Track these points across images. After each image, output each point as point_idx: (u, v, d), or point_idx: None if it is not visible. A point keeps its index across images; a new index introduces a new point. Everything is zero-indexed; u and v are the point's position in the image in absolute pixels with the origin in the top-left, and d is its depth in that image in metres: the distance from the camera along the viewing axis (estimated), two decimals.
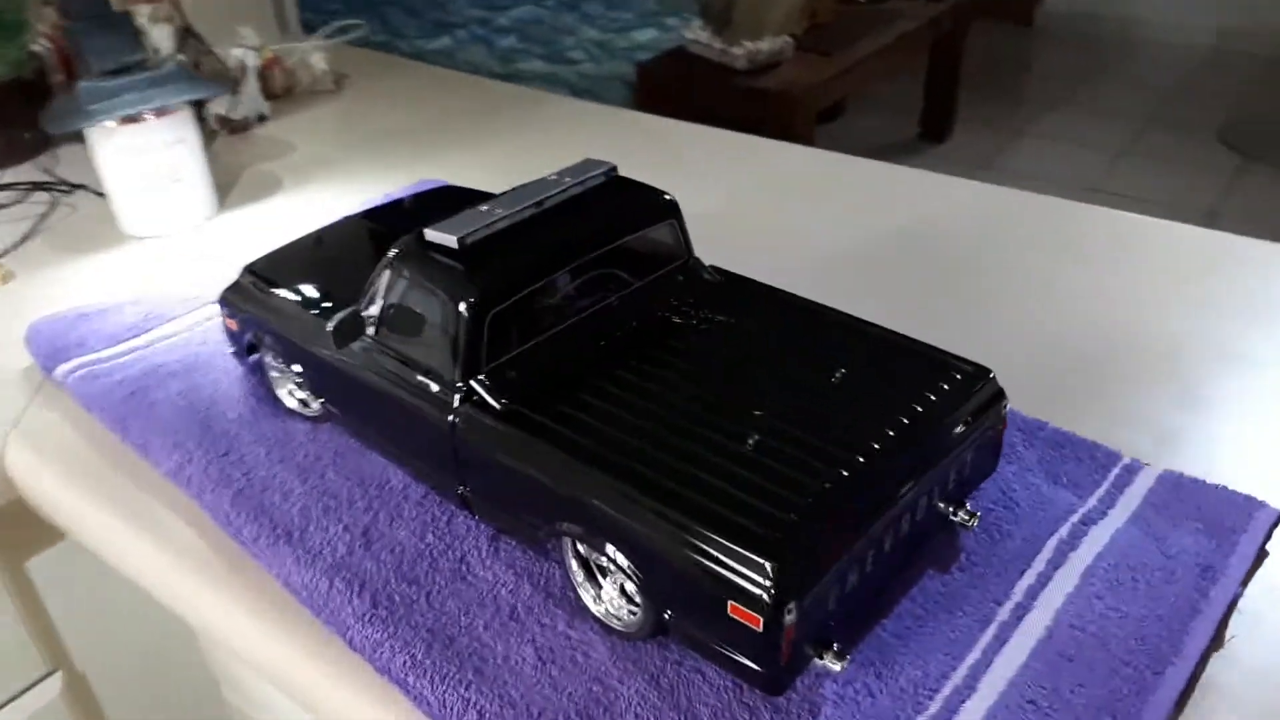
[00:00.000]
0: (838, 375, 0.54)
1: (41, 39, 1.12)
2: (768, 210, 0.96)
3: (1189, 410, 0.68)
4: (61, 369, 0.73)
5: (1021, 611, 0.51)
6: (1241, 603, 0.52)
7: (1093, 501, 0.58)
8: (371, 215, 0.76)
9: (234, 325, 0.69)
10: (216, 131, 1.12)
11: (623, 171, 0.63)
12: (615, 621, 0.51)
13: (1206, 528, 0.55)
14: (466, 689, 0.48)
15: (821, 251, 0.88)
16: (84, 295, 0.84)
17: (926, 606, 0.52)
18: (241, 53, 1.17)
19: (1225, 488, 0.58)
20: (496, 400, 0.53)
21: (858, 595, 0.49)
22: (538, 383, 0.55)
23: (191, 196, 0.96)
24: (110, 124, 0.90)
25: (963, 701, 0.47)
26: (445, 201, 0.78)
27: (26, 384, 0.75)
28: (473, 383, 0.54)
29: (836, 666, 0.46)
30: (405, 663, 0.50)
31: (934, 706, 0.47)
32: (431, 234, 0.56)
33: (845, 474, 0.48)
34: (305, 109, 1.23)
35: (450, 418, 0.54)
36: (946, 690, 0.48)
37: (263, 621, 0.57)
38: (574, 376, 0.55)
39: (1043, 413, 0.64)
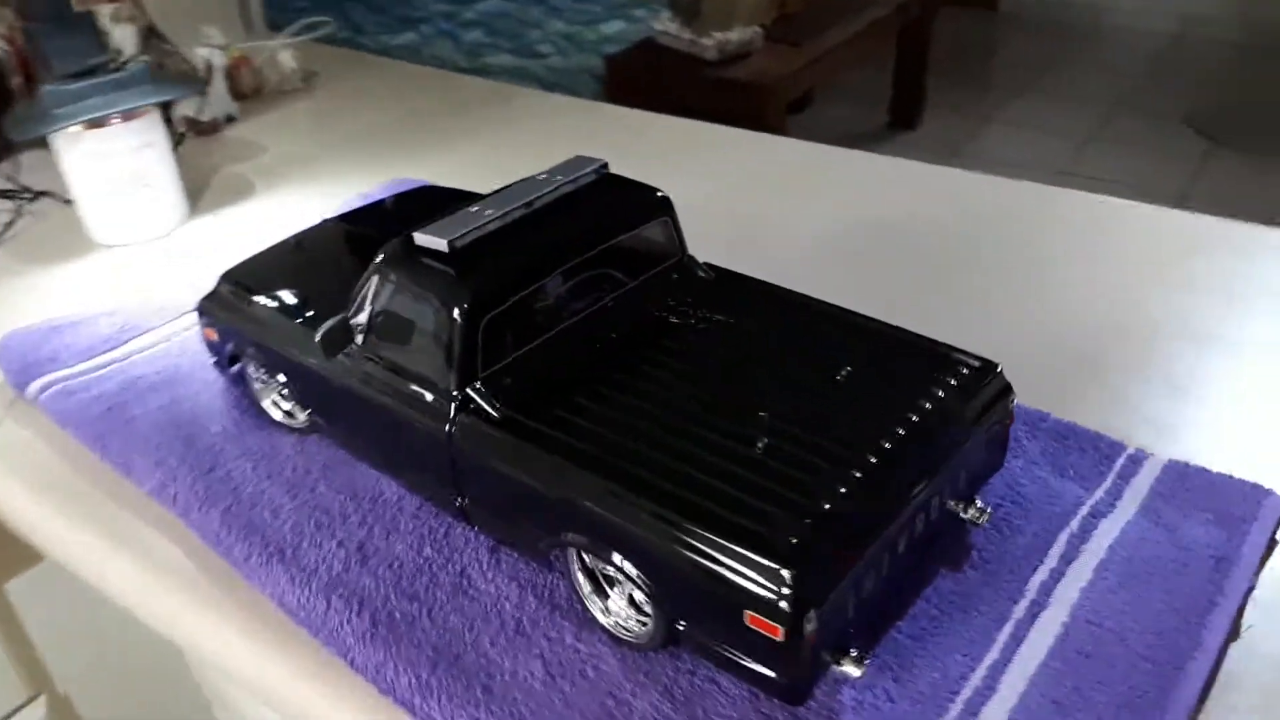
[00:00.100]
0: (843, 373, 0.53)
1: None
2: (747, 202, 0.95)
3: (1179, 394, 0.67)
4: (34, 386, 0.70)
5: (1037, 609, 0.51)
6: (1255, 592, 0.52)
7: (1100, 494, 0.57)
8: (352, 218, 0.74)
9: (214, 336, 0.67)
10: (184, 134, 1.09)
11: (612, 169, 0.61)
12: (625, 633, 0.49)
13: (1216, 518, 0.55)
14: (476, 708, 0.47)
15: (802, 243, 0.87)
16: (53, 307, 0.82)
17: (941, 606, 0.51)
18: (207, 52, 1.14)
19: (1231, 476, 0.57)
20: (494, 408, 0.52)
21: (874, 598, 0.48)
22: (535, 388, 0.53)
23: (161, 202, 0.93)
24: (75, 129, 0.87)
25: (983, 703, 0.46)
26: (427, 202, 0.76)
27: None
28: (469, 390, 0.52)
29: (856, 672, 0.45)
30: (411, 683, 0.48)
31: (955, 710, 0.46)
32: (421, 237, 0.54)
33: (859, 475, 0.46)
34: (275, 109, 1.21)
35: (446, 427, 0.52)
36: (966, 692, 0.47)
37: (256, 642, 0.55)
38: (572, 381, 0.54)
39: (1035, 402, 0.63)
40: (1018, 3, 3.85)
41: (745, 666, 0.45)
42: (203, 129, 1.12)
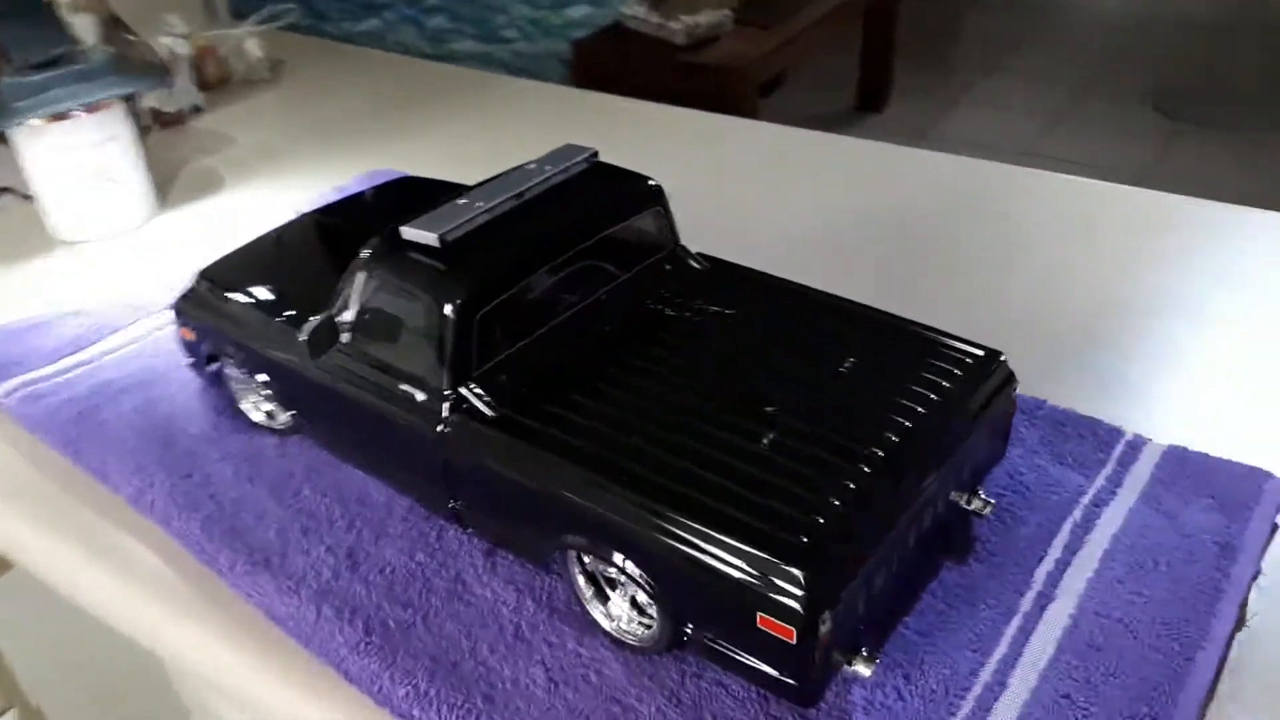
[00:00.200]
0: (846, 365, 0.52)
1: None
2: (724, 187, 0.93)
3: (1163, 372, 0.67)
4: (0, 389, 0.68)
5: (1044, 601, 0.50)
6: (1259, 578, 0.51)
7: (1101, 481, 0.57)
8: (331, 212, 0.72)
9: (190, 336, 0.65)
10: (149, 126, 1.06)
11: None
12: (628, 636, 0.48)
13: (1218, 503, 0.54)
14: (477, 718, 0.45)
15: (779, 227, 0.85)
16: (18, 308, 0.79)
17: (948, 601, 0.50)
18: (171, 41, 1.11)
19: (1231, 460, 0.57)
20: (489, 406, 0.50)
21: (883, 595, 0.47)
22: (531, 386, 0.51)
23: (128, 197, 0.90)
24: (37, 122, 0.84)
25: (995, 700, 0.46)
26: (407, 195, 0.75)
27: None
28: (462, 390, 0.51)
29: (866, 671, 0.44)
30: (408, 694, 0.47)
31: (966, 707, 0.45)
32: (409, 232, 0.53)
33: (867, 471, 0.45)
34: (242, 99, 1.18)
35: (439, 427, 0.51)
36: (977, 689, 0.46)
37: (243, 653, 0.53)
38: (568, 377, 0.52)
39: (1020, 387, 0.62)
40: None
41: (756, 669, 0.44)
42: (168, 121, 1.09)
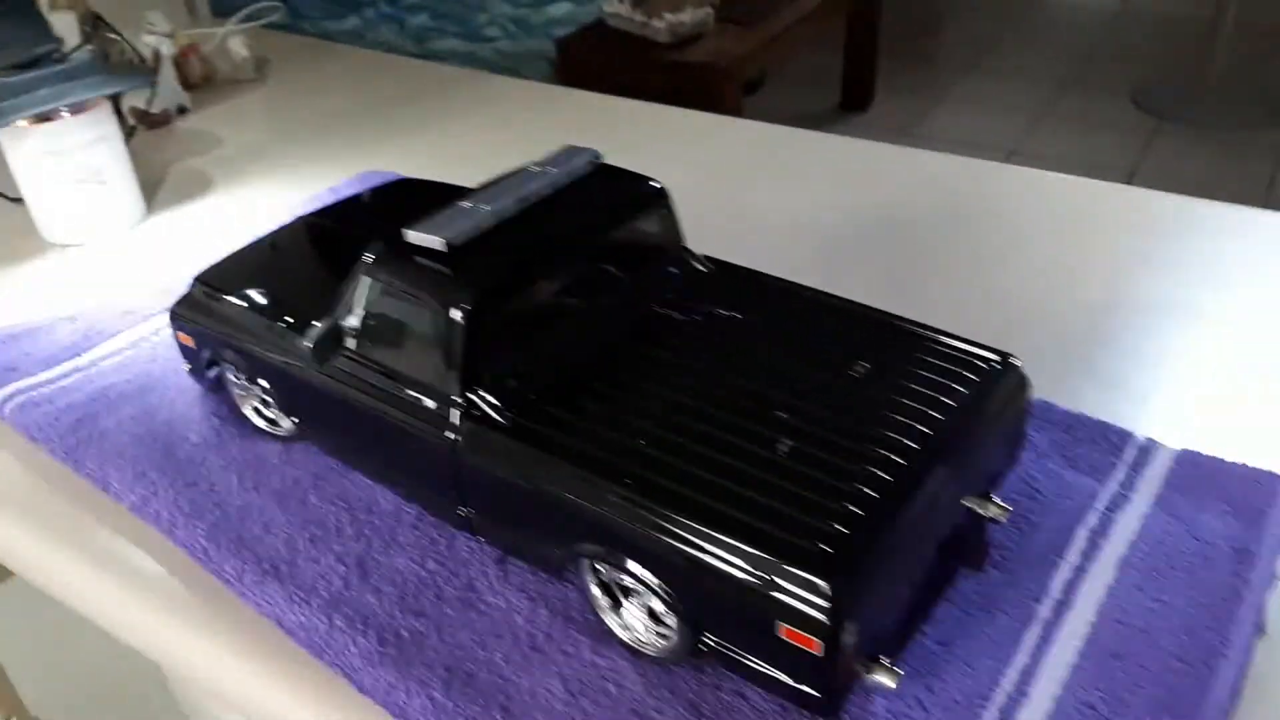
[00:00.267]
0: (859, 369, 0.51)
1: None
2: (713, 185, 0.93)
3: (1164, 374, 0.67)
4: None
5: (1062, 609, 0.50)
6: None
7: (1114, 486, 0.56)
8: (328, 214, 0.71)
9: (189, 341, 0.63)
10: (135, 127, 1.04)
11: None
12: (646, 647, 0.48)
13: (1232, 508, 0.54)
14: None
15: (766, 226, 0.85)
16: (8, 314, 0.77)
17: (965, 609, 0.50)
18: (154, 40, 1.09)
19: (1244, 464, 0.57)
20: (500, 413, 0.49)
21: (904, 603, 0.47)
22: (542, 392, 0.51)
23: (117, 199, 0.89)
24: (22, 123, 0.83)
25: (1017, 710, 0.45)
26: (405, 196, 0.73)
27: None
28: (472, 396, 0.50)
29: (891, 683, 0.44)
30: (424, 705, 0.46)
31: (988, 718, 0.45)
32: (414, 236, 0.52)
33: (888, 478, 0.45)
34: (227, 99, 1.16)
35: (450, 435, 0.50)
36: (999, 698, 0.46)
37: (248, 661, 0.52)
38: (578, 383, 0.51)
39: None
40: None
41: (777, 680, 0.43)
42: (154, 121, 1.07)
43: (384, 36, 2.65)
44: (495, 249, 0.52)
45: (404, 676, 0.47)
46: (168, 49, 1.10)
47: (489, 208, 0.53)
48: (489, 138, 1.04)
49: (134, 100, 1.07)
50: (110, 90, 0.86)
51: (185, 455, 0.61)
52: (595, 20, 2.43)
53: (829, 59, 2.92)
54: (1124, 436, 0.59)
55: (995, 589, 0.51)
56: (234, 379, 0.62)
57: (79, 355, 0.70)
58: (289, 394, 0.59)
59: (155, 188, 0.96)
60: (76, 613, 0.60)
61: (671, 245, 0.60)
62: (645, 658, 0.48)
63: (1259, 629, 0.49)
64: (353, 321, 0.53)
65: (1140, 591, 0.50)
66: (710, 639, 0.45)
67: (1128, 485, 0.56)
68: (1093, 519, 0.54)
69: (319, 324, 0.54)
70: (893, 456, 0.46)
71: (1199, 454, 0.58)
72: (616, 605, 0.48)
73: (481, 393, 0.50)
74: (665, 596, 0.45)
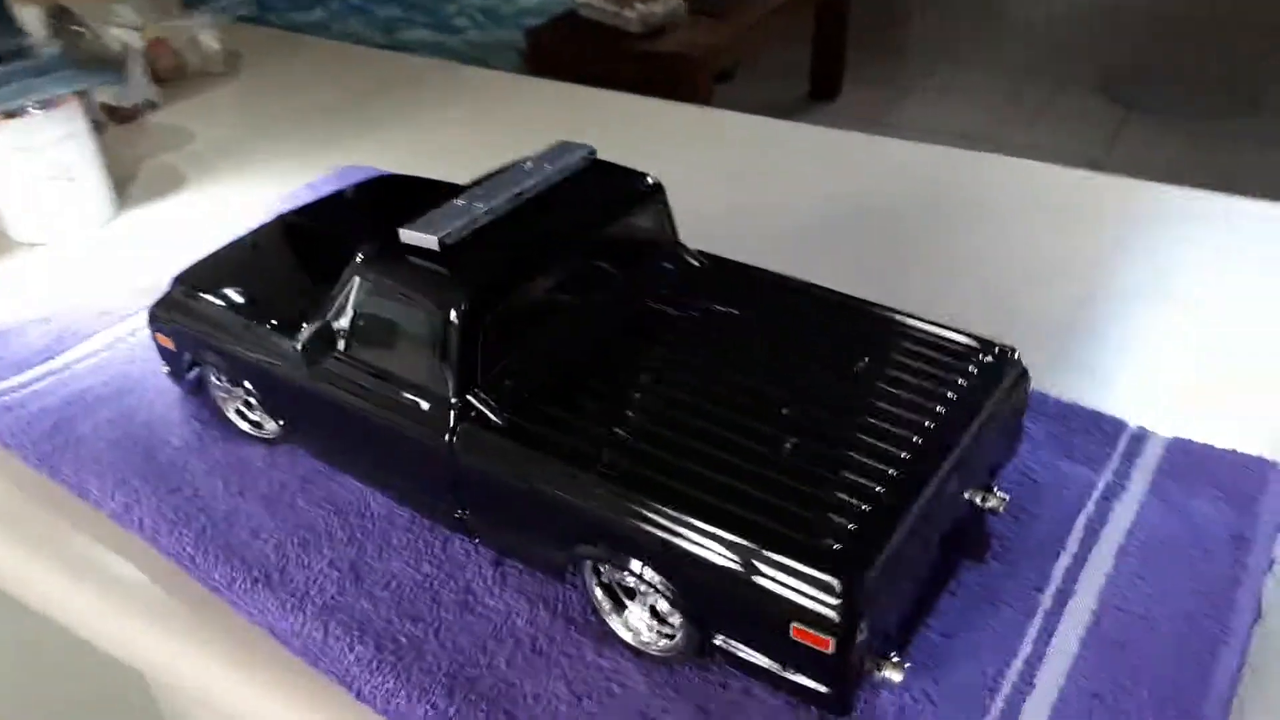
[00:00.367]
0: (860, 364, 0.51)
1: None
2: (687, 176, 0.92)
3: (1143, 359, 0.68)
4: None
5: (1063, 598, 0.50)
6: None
7: (1109, 475, 0.56)
8: (310, 212, 0.69)
9: (168, 343, 0.62)
10: (104, 122, 1.02)
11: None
12: (650, 648, 0.47)
13: (1225, 495, 0.55)
14: None
15: (741, 216, 0.84)
16: None
17: (968, 600, 0.50)
18: (122, 33, 1.07)
19: (1235, 451, 0.57)
20: (497, 414, 0.49)
21: (910, 598, 0.46)
22: (538, 391, 0.50)
23: (88, 197, 0.86)
24: None
25: (1023, 700, 0.45)
26: (388, 193, 0.72)
27: None
28: (469, 397, 0.49)
29: (897, 677, 0.43)
30: (427, 713, 0.45)
31: (996, 708, 0.45)
32: (407, 234, 0.51)
33: (894, 473, 0.45)
34: (198, 93, 1.14)
35: (446, 437, 0.49)
36: (1005, 689, 0.46)
37: (241, 669, 0.50)
38: (575, 382, 0.51)
39: None
40: None
41: (788, 679, 0.43)
42: (123, 116, 1.05)
43: (352, 28, 2.62)
44: (489, 247, 0.51)
45: (404, 683, 0.46)
46: (136, 42, 1.07)
47: (482, 205, 0.52)
48: (467, 130, 1.02)
49: (103, 95, 1.04)
50: (80, 86, 0.84)
51: (167, 460, 0.59)
52: (566, 10, 2.42)
53: (796, 49, 2.92)
54: (1117, 426, 0.60)
55: (997, 580, 0.51)
56: (216, 381, 0.61)
57: (52, 358, 0.68)
58: (275, 397, 0.57)
59: (126, 185, 0.94)
60: (52, 622, 0.58)
61: (666, 240, 0.59)
62: (649, 658, 0.47)
63: (1257, 615, 0.49)
64: (343, 322, 0.52)
65: (1140, 580, 0.50)
66: (719, 639, 0.44)
67: (1122, 474, 0.56)
68: (1090, 508, 0.54)
69: (307, 325, 0.52)
70: (898, 452, 0.46)
71: (1190, 441, 0.58)
72: (619, 607, 0.48)
73: (478, 393, 0.49)
74: (669, 595, 0.44)
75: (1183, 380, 0.66)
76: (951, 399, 0.49)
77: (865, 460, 0.45)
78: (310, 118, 1.07)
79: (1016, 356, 0.52)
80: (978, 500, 0.51)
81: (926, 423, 0.47)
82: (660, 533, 0.43)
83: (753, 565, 0.41)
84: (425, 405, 0.50)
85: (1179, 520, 0.53)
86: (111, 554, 0.56)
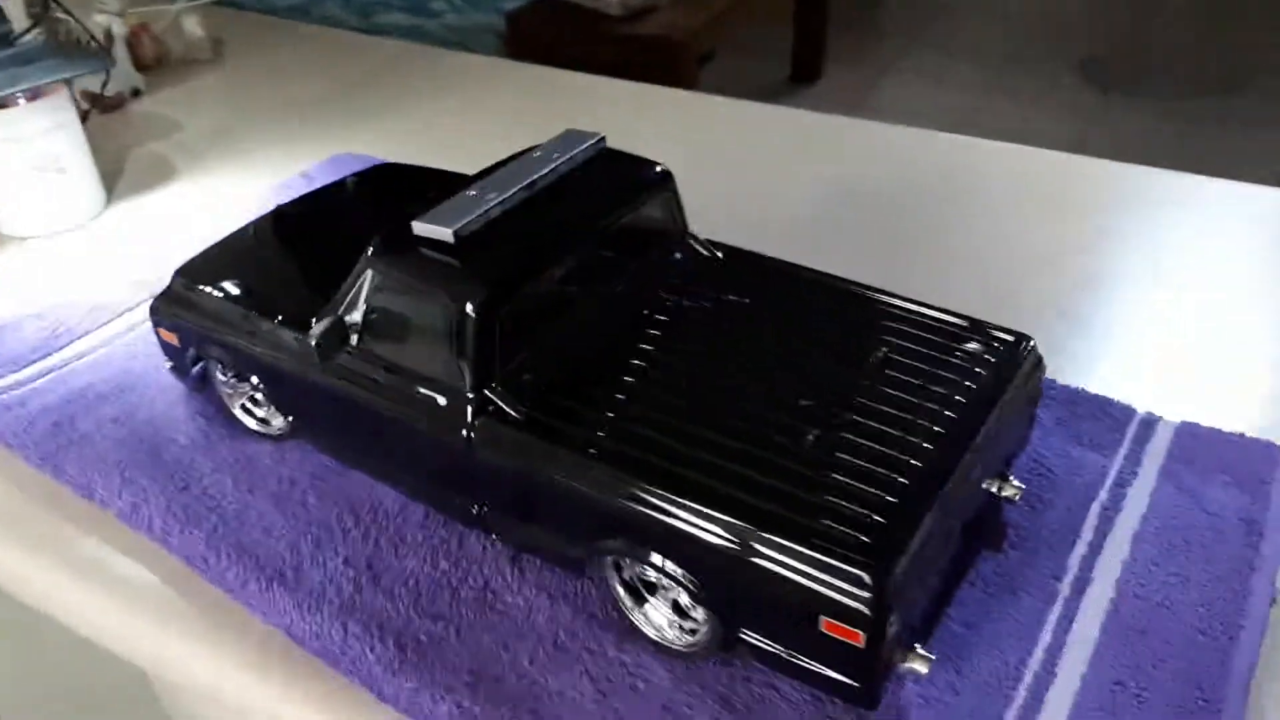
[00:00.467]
0: (878, 354, 0.51)
1: None
2: (676, 161, 0.91)
3: (1135, 342, 0.68)
4: None
5: (1081, 585, 0.50)
6: None
7: (1120, 461, 0.57)
8: (311, 203, 0.69)
9: (172, 338, 0.61)
10: (88, 111, 1.00)
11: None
12: (673, 644, 0.47)
13: (1235, 480, 0.55)
14: None
15: (729, 200, 0.83)
16: None
17: (987, 590, 0.50)
18: (105, 19, 1.05)
19: (1242, 435, 0.58)
20: (515, 408, 0.48)
21: (934, 589, 0.46)
22: (556, 385, 0.49)
23: (77, 188, 0.85)
24: None
25: (1046, 689, 0.45)
26: (387, 181, 0.71)
27: None
28: (487, 392, 0.48)
29: (924, 669, 0.44)
30: (450, 712, 0.45)
31: (1020, 697, 0.45)
32: (420, 226, 0.50)
33: (917, 464, 0.45)
34: (183, 80, 1.12)
35: (464, 432, 0.48)
36: (1028, 678, 0.46)
37: (252, 673, 0.50)
38: (593, 375, 0.50)
39: None
40: None
41: (816, 673, 0.43)
42: (107, 105, 1.03)
43: (328, 11, 2.58)
44: (504, 239, 0.50)
45: (427, 682, 0.46)
46: (119, 28, 1.05)
47: (495, 196, 0.52)
48: (456, 117, 1.01)
49: (87, 83, 1.02)
50: (68, 74, 0.82)
51: (173, 458, 0.59)
52: None
53: (776, 31, 2.91)
54: (1126, 411, 0.60)
55: (1014, 569, 0.51)
56: (221, 376, 0.60)
57: (49, 355, 0.67)
58: (284, 391, 0.57)
59: (115, 176, 0.92)
60: (50, 619, 0.58)
61: (677, 230, 0.59)
62: (672, 653, 0.47)
63: (1273, 598, 0.50)
64: (355, 316, 0.51)
65: (1156, 566, 0.50)
66: (746, 635, 0.44)
67: (1133, 460, 0.57)
68: (1103, 495, 0.54)
69: (318, 319, 0.52)
70: (920, 442, 0.46)
71: (1198, 425, 0.59)
72: (641, 602, 0.48)
73: (495, 387, 0.48)
74: (692, 589, 0.44)
75: (1179, 363, 0.66)
76: (970, 388, 0.49)
77: (888, 451, 0.45)
78: (298, 105, 1.06)
79: (1032, 344, 0.52)
80: (994, 489, 0.51)
81: (947, 412, 0.47)
82: (685, 527, 0.43)
83: (781, 559, 0.41)
84: (442, 400, 0.49)
85: (1192, 506, 0.54)
86: (117, 554, 0.56)
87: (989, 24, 3.33)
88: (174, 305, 0.60)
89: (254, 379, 0.58)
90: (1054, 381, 0.62)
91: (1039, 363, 0.52)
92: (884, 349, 0.51)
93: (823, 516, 0.42)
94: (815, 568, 0.41)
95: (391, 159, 0.85)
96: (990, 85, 2.93)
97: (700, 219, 0.61)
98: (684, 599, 0.46)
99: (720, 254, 0.59)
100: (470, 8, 2.61)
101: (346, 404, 0.53)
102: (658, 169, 0.57)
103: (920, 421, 0.47)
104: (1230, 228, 0.79)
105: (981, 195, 0.85)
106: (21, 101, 0.80)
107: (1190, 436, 0.58)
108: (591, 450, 0.46)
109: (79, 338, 0.69)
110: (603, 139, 0.57)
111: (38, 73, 0.80)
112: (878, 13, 3.57)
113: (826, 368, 0.50)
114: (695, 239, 0.59)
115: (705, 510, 0.43)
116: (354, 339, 0.51)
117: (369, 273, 0.50)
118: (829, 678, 0.42)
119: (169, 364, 0.63)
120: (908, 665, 0.44)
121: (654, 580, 0.46)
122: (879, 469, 0.44)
